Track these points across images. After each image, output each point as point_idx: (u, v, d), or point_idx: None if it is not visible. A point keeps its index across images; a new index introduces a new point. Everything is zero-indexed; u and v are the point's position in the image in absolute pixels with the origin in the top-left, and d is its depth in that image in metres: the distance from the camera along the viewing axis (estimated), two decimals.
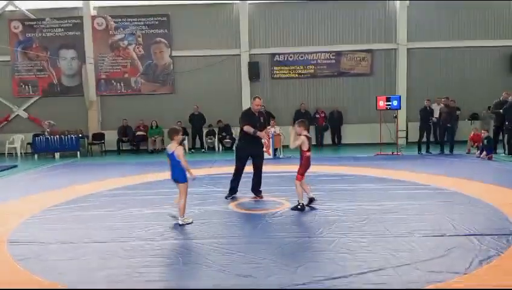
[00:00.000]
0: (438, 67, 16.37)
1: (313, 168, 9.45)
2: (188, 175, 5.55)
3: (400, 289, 3.46)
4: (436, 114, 13.34)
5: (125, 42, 16.68)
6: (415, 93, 16.02)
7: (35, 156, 15.02)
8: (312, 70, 16.71)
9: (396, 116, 13.46)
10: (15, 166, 12.59)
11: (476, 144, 12.49)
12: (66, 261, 4.34)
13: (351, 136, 16.49)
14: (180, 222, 5.49)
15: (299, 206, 6.17)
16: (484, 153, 11.39)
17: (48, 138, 14.83)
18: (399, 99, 13.12)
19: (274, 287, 3.53)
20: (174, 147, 5.53)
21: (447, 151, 12.78)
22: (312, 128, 16.14)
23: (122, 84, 16.80)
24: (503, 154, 11.90)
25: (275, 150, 13.18)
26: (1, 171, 11.48)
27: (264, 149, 7.84)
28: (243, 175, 7.18)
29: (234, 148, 15.16)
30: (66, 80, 16.90)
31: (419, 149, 13.16)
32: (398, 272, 3.76)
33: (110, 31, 16.63)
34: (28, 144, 16.10)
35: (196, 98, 16.13)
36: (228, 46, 16.55)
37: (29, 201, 7.38)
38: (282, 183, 7.96)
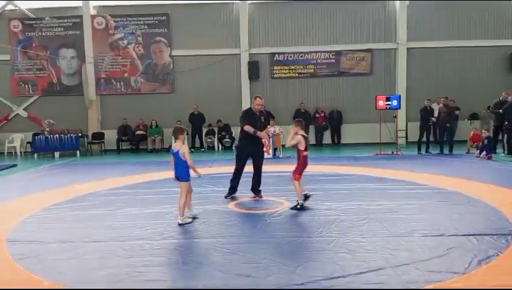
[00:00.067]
0: (437, 67, 16.37)
1: (313, 168, 9.48)
2: (194, 173, 5.61)
3: (399, 289, 3.46)
4: (436, 114, 13.35)
5: (125, 41, 16.67)
6: (415, 93, 16.03)
7: (35, 155, 15.01)
8: (312, 70, 16.71)
9: (396, 116, 13.47)
10: (15, 165, 12.59)
11: (475, 143, 12.49)
12: (66, 260, 4.34)
13: (351, 135, 16.49)
14: (180, 221, 5.50)
15: (298, 206, 6.17)
16: (484, 153, 11.39)
17: (47, 137, 14.82)
18: (399, 99, 13.13)
19: (273, 287, 3.53)
20: (179, 146, 5.58)
21: (446, 151, 12.78)
22: (312, 127, 16.24)
23: (122, 84, 16.80)
24: (503, 154, 11.91)
25: (275, 149, 13.19)
26: (1, 170, 11.48)
27: (264, 149, 7.83)
28: (242, 174, 7.18)
29: (234, 147, 15.30)
30: (66, 79, 16.89)
31: (419, 149, 13.16)
32: (397, 272, 3.76)
33: (110, 30, 16.62)
34: (27, 143, 16.11)
35: (196, 98, 16.13)
36: (228, 45, 16.55)
37: (28, 200, 7.38)
38: (282, 182, 7.96)
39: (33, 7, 16.63)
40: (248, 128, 6.86)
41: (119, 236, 5.08)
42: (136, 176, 9.85)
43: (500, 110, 12.13)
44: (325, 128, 16.50)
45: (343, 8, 16.41)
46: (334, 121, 16.36)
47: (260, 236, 5.00)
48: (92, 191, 8.02)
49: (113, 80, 16.80)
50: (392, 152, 12.90)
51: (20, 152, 16.01)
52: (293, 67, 16.73)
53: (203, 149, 15.75)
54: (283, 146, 13.10)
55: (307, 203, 6.24)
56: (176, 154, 5.57)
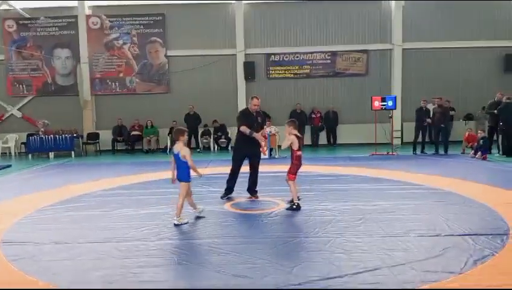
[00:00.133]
0: (432, 68, 16.43)
1: (309, 168, 9.51)
2: (195, 174, 5.63)
3: (395, 289, 3.46)
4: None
5: (120, 41, 16.63)
6: (410, 93, 16.08)
7: (30, 155, 14.94)
8: (307, 71, 16.73)
9: (391, 117, 13.50)
10: (9, 166, 12.51)
11: (470, 144, 12.55)
12: (61, 261, 4.31)
13: (347, 136, 16.53)
14: (176, 222, 5.49)
15: (294, 206, 6.17)
16: (479, 153, 11.44)
17: (42, 138, 14.75)
18: (394, 99, 13.16)
19: (269, 287, 3.52)
20: (179, 148, 5.59)
21: (441, 151, 12.82)
22: (308, 128, 16.26)
23: (117, 84, 16.75)
24: (497, 155, 11.97)
25: (271, 150, 13.19)
26: None
27: (260, 149, 7.82)
28: (238, 175, 7.17)
29: (230, 148, 15.30)
30: (61, 79, 16.82)
31: (414, 149, 13.20)
32: (393, 272, 3.76)
33: (105, 30, 16.57)
34: (22, 143, 16.02)
35: (191, 98, 16.10)
36: (223, 46, 16.55)
37: (23, 201, 7.33)
38: (278, 183, 7.94)
39: (28, 7, 16.54)
40: (244, 129, 6.86)
41: (114, 237, 5.05)
42: (132, 176, 9.81)
43: (495, 111, 12.19)
44: (321, 129, 16.52)
45: (338, 8, 16.45)
46: (329, 122, 16.38)
47: (256, 236, 4.99)
48: (87, 191, 7.98)
49: (108, 80, 16.75)
50: (388, 152, 12.93)
51: (15, 153, 15.92)
52: (288, 67, 16.75)
53: (198, 150, 15.72)
54: (279, 146, 13.09)
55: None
56: (176, 156, 5.59)
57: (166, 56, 16.67)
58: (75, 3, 16.48)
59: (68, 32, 16.59)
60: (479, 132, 12.25)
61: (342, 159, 12.32)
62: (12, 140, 15.99)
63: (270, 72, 16.75)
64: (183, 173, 5.57)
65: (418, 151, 13.09)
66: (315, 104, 16.53)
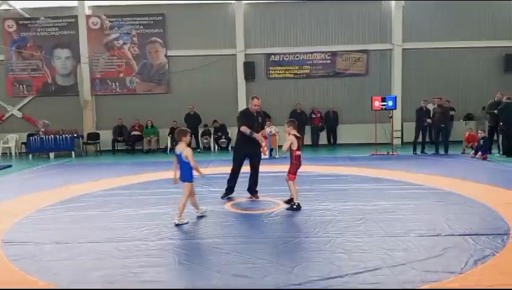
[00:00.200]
0: (432, 68, 16.43)
1: (309, 168, 9.52)
2: (197, 174, 5.65)
3: (396, 289, 3.46)
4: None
5: (120, 42, 16.63)
6: (410, 93, 16.08)
7: (30, 156, 14.94)
8: (307, 71, 16.73)
9: (391, 117, 13.50)
10: (9, 166, 12.51)
11: (470, 144, 12.54)
12: (61, 261, 4.31)
13: (347, 136, 16.54)
14: (177, 222, 5.49)
15: (294, 206, 6.17)
16: (479, 153, 11.44)
17: (42, 138, 14.74)
18: (394, 99, 13.15)
19: (270, 287, 3.52)
20: (182, 148, 5.60)
21: (442, 151, 12.82)
22: (308, 128, 16.27)
23: (117, 84, 16.75)
24: (498, 155, 11.97)
25: (271, 150, 13.19)
26: None
27: (261, 149, 7.83)
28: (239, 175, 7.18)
29: (230, 148, 15.30)
30: (61, 80, 16.82)
31: (414, 149, 13.20)
32: (393, 272, 3.76)
33: (105, 31, 16.58)
34: (22, 143, 16.02)
35: (191, 98, 16.10)
36: (223, 46, 16.55)
37: (23, 201, 7.33)
38: (278, 183, 7.93)
39: (28, 7, 16.54)
40: (244, 129, 6.86)
41: (114, 237, 5.05)
42: (132, 176, 9.82)
43: (495, 111, 12.19)
44: (321, 129, 16.53)
45: (338, 8, 16.45)
46: (330, 122, 16.38)
47: (257, 236, 4.99)
48: (88, 191, 7.98)
49: (108, 80, 16.75)
50: (388, 152, 12.93)
51: (15, 153, 15.92)
52: (288, 67, 16.75)
53: (199, 150, 15.71)
54: (279, 147, 13.10)
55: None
56: (179, 157, 5.60)
57: (166, 56, 16.67)
58: (75, 4, 16.48)
59: (68, 32, 16.59)
60: (479, 132, 12.26)
61: (342, 159, 12.32)
62: (12, 140, 15.98)
63: (270, 72, 16.75)
64: (186, 173, 5.59)
65: (418, 152, 13.08)
66: (315, 104, 16.53)
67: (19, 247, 4.77)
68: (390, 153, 12.93)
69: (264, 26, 16.62)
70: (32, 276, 3.90)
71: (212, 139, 15.96)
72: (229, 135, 15.76)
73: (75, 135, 15.27)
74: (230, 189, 7.17)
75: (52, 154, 14.84)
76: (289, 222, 5.73)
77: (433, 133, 13.48)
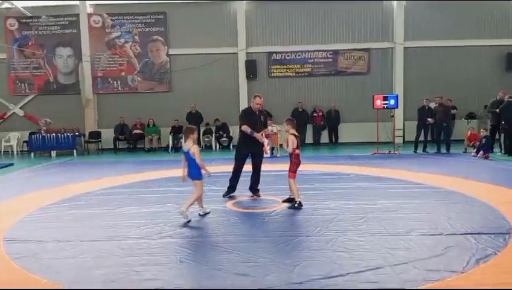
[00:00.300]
0: (434, 67, 16.38)
1: (310, 167, 9.52)
2: (203, 172, 5.69)
3: (398, 288, 3.45)
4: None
5: (122, 40, 16.63)
6: (412, 92, 16.05)
7: (32, 154, 14.95)
8: (309, 69, 16.71)
9: (393, 115, 13.48)
10: (11, 164, 12.54)
11: (472, 143, 12.52)
12: (63, 259, 4.32)
13: (348, 135, 16.51)
14: (182, 210, 5.57)
15: (296, 205, 6.17)
16: (481, 152, 11.41)
17: (44, 136, 14.76)
18: (396, 98, 13.14)
19: (272, 286, 3.52)
20: (189, 145, 5.65)
21: (443, 150, 12.80)
22: (309, 127, 16.26)
23: (118, 82, 16.75)
24: (499, 154, 11.94)
25: (272, 148, 13.18)
26: None
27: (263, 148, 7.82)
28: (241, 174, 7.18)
29: (231, 147, 15.29)
30: (63, 78, 16.83)
31: (416, 148, 13.18)
32: (395, 271, 3.76)
33: (107, 29, 16.57)
34: (24, 142, 16.04)
35: (193, 97, 16.09)
36: (225, 44, 16.52)
37: (25, 199, 7.34)
38: (280, 181, 7.93)
39: (29, 5, 16.54)
40: (245, 128, 6.87)
41: (116, 235, 5.06)
42: (133, 175, 9.82)
43: (497, 110, 12.16)
44: (323, 128, 16.51)
45: (340, 7, 16.40)
46: (331, 121, 16.37)
47: (258, 235, 4.99)
48: (89, 190, 7.99)
49: (110, 79, 16.75)
50: (389, 151, 12.91)
51: (17, 151, 15.95)
52: (290, 66, 16.72)
53: (200, 148, 15.69)
54: (281, 145, 13.09)
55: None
56: (187, 154, 5.65)
57: (167, 55, 16.66)
58: (76, 2, 16.46)
59: (70, 30, 16.60)
60: (481, 130, 12.23)
61: (344, 157, 12.30)
62: (14, 138, 16.01)
63: (272, 70, 16.73)
64: (195, 171, 5.65)
65: (420, 150, 13.06)
66: (317, 103, 16.50)
67: (21, 245, 4.78)
68: (392, 152, 12.91)
69: (266, 25, 16.59)
70: (34, 274, 3.91)
71: (213, 138, 15.95)
72: (231, 134, 15.75)
73: (76, 133, 15.30)
74: (232, 187, 7.18)
75: (53, 153, 14.85)
76: (291, 220, 5.73)
77: (434, 132, 13.46)
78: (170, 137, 15.70)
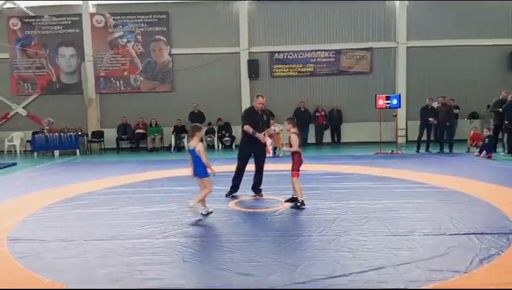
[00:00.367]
0: (437, 66, 16.36)
1: (313, 167, 9.52)
2: (208, 171, 5.74)
3: (401, 288, 3.45)
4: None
5: (124, 40, 16.65)
6: (415, 91, 16.03)
7: (35, 153, 14.99)
8: (311, 69, 16.70)
9: (395, 115, 13.46)
10: (14, 164, 12.58)
11: (475, 142, 12.50)
12: (66, 259, 4.33)
13: (351, 134, 16.50)
14: (192, 204, 5.69)
15: (298, 204, 6.17)
16: (484, 152, 11.39)
17: (47, 136, 14.80)
18: (399, 97, 13.12)
19: (274, 286, 3.52)
20: (195, 143, 5.71)
21: (446, 150, 12.78)
22: (312, 126, 16.25)
23: (121, 82, 16.78)
24: (503, 153, 11.91)
25: (275, 148, 13.17)
26: (0, 169, 11.45)
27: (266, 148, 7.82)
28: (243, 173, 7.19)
29: (234, 146, 15.30)
30: (65, 78, 16.87)
31: (418, 148, 13.16)
32: (398, 271, 3.76)
33: (109, 29, 16.60)
34: (27, 141, 16.08)
35: (195, 96, 16.11)
36: (227, 44, 16.53)
37: (28, 199, 7.36)
38: (282, 181, 7.93)
39: (32, 5, 16.58)
40: (247, 128, 6.87)
41: (119, 235, 5.07)
42: (136, 174, 9.83)
43: (500, 109, 12.14)
44: (325, 127, 16.51)
45: (342, 6, 16.39)
46: (334, 120, 16.36)
47: (261, 235, 4.99)
48: (92, 189, 8.01)
49: (112, 78, 16.78)
50: (392, 151, 12.89)
51: (20, 151, 15.99)
52: (292, 66, 16.71)
53: None
54: (282, 145, 13.08)
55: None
56: (193, 152, 5.70)
57: (170, 54, 16.67)
58: (79, 2, 16.49)
59: (72, 30, 16.63)
60: (484, 130, 12.20)
61: (346, 157, 12.30)
62: (17, 138, 16.06)
63: (274, 70, 16.72)
64: (201, 168, 5.70)
65: (422, 150, 13.04)
66: (319, 103, 16.49)
67: (24, 244, 4.79)
68: (395, 151, 12.89)
69: (268, 24, 16.59)
70: (38, 273, 3.92)
71: (216, 138, 15.95)
72: (233, 133, 15.75)
73: (79, 133, 15.34)
74: (235, 187, 7.18)
75: (56, 152, 14.89)
76: (293, 220, 5.73)
77: (437, 132, 13.43)
78: (173, 137, 15.72)
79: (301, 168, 6.42)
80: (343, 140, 16.55)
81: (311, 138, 16.39)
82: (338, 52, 16.56)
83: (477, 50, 16.33)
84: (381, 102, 13.02)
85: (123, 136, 16.13)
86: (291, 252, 4.37)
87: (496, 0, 15.97)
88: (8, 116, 16.95)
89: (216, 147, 15.88)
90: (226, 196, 7.07)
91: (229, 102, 16.33)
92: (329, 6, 16.37)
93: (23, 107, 16.95)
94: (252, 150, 7.06)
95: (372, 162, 11.13)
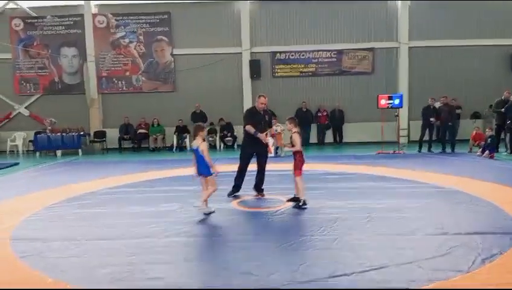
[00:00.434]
0: (439, 66, 16.32)
1: (315, 166, 9.52)
2: (211, 171, 5.79)
3: (403, 288, 3.44)
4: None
5: (126, 40, 16.67)
6: (417, 91, 16.00)
7: (37, 153, 15.02)
8: (313, 69, 16.69)
9: (397, 115, 13.44)
10: (17, 164, 12.60)
11: (477, 142, 12.47)
12: (68, 258, 4.34)
13: (353, 134, 16.48)
14: (199, 204, 5.73)
15: (301, 203, 6.16)
16: (486, 152, 11.36)
17: (49, 136, 14.84)
18: (401, 97, 13.10)
19: (276, 285, 3.52)
20: (198, 143, 5.76)
21: (448, 150, 12.76)
22: (314, 126, 16.25)
23: (123, 82, 16.80)
24: (505, 153, 11.89)
25: (276, 148, 13.16)
26: (3, 168, 11.49)
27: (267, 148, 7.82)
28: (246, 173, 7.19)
29: (235, 146, 15.30)
30: (68, 78, 16.90)
31: (420, 147, 13.14)
32: (400, 271, 3.75)
33: (111, 29, 16.62)
34: (29, 141, 16.12)
35: (197, 96, 16.12)
36: (229, 44, 16.53)
37: (30, 199, 7.38)
38: (284, 181, 7.93)
39: (34, 6, 16.62)
40: (249, 128, 6.87)
41: (121, 234, 5.08)
42: (138, 174, 9.85)
43: (502, 109, 12.11)
44: (327, 127, 16.50)
45: (344, 6, 16.37)
46: (335, 120, 16.35)
47: (263, 234, 5.00)
48: (94, 189, 8.03)
49: (114, 79, 16.80)
50: (394, 151, 12.88)
51: (22, 151, 16.03)
52: (294, 66, 16.70)
53: None
54: (284, 145, 13.07)
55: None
56: (196, 151, 5.75)
57: (172, 54, 16.69)
58: (81, 2, 16.53)
59: (75, 31, 16.66)
60: (486, 130, 12.17)
61: (348, 157, 12.28)
62: (20, 138, 16.10)
63: (276, 70, 16.72)
64: (204, 167, 5.73)
65: (425, 150, 13.02)
66: (321, 103, 16.49)
67: (27, 244, 4.80)
68: (397, 151, 12.88)
69: (270, 25, 16.59)
70: (40, 273, 3.93)
71: (217, 138, 15.96)
72: (235, 133, 15.76)
73: (81, 133, 15.38)
74: (237, 187, 7.18)
75: (59, 152, 14.91)
76: (295, 220, 5.73)
77: (440, 132, 13.39)
78: (174, 137, 15.73)
79: (303, 168, 6.42)
80: (345, 140, 16.53)
81: (313, 138, 16.38)
82: (340, 52, 16.55)
83: (479, 50, 16.29)
84: (383, 102, 13.00)
85: (125, 136, 16.15)
86: (293, 251, 4.37)
87: (498, 0, 15.94)
88: (11, 117, 16.99)
89: (218, 147, 15.89)
90: (228, 195, 7.08)
91: (231, 102, 16.33)
92: (331, 7, 16.35)
93: (26, 107, 17.00)
94: (254, 150, 7.07)
95: (374, 162, 11.12)
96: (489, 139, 11.58)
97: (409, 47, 16.29)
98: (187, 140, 15.40)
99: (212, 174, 5.76)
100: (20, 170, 11.44)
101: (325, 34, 16.58)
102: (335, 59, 16.60)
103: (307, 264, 3.96)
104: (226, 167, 8.18)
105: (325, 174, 9.07)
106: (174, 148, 15.65)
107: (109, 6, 16.73)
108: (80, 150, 15.00)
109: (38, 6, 16.64)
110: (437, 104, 13.37)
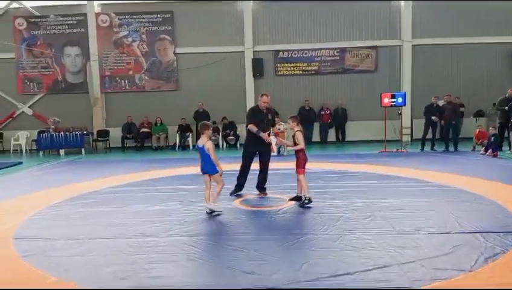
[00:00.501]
0: (442, 64, 16.30)
1: (317, 165, 9.51)
2: (217, 168, 5.78)
3: (406, 287, 3.44)
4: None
5: (129, 39, 16.70)
6: (420, 90, 15.97)
7: (40, 153, 15.08)
8: (316, 67, 16.68)
9: (400, 113, 13.42)
10: (20, 163, 12.65)
11: (480, 141, 12.43)
12: (72, 257, 4.35)
13: (355, 133, 16.48)
14: (212, 204, 5.73)
15: (306, 201, 6.15)
16: (490, 150, 11.33)
17: (52, 135, 14.88)
18: (404, 96, 13.07)
19: (279, 284, 3.52)
20: (204, 141, 5.76)
21: (451, 148, 12.73)
22: (316, 125, 16.24)
23: (126, 81, 16.84)
24: (508, 152, 11.85)
25: (279, 147, 13.17)
26: (6, 167, 11.53)
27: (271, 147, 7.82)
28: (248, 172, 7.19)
29: (238, 145, 15.31)
30: (71, 77, 16.95)
31: (423, 146, 13.11)
32: (403, 270, 3.74)
33: (114, 28, 16.66)
34: (33, 140, 16.18)
35: (200, 95, 16.13)
36: (232, 43, 16.54)
37: (34, 198, 7.40)
38: (287, 180, 7.94)
39: (38, 5, 16.67)
40: (252, 127, 6.86)
41: (124, 233, 5.09)
42: (141, 173, 9.87)
43: (506, 107, 12.07)
44: (330, 126, 16.49)
45: (347, 4, 16.35)
46: (338, 119, 16.34)
47: (265, 233, 4.99)
48: (97, 188, 8.04)
49: (117, 78, 16.84)
50: (397, 150, 12.86)
51: (26, 150, 16.09)
52: (297, 64, 16.70)
53: None
54: (286, 144, 13.07)
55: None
56: (202, 149, 5.75)
57: (175, 53, 16.72)
58: (84, 2, 16.58)
59: (78, 30, 16.71)
60: (490, 128, 12.14)
61: (351, 156, 12.27)
62: (23, 137, 16.17)
63: (279, 69, 16.72)
64: (210, 166, 5.73)
65: (428, 148, 12.99)
66: (324, 101, 16.48)
67: (30, 243, 4.81)
68: (400, 150, 12.86)
69: (273, 23, 16.58)
70: (43, 272, 3.94)
71: (220, 137, 15.98)
72: (238, 132, 15.77)
73: (85, 132, 15.42)
74: (239, 186, 7.18)
75: (62, 151, 14.97)
76: (298, 218, 5.73)
77: (443, 130, 13.35)
78: (177, 136, 15.76)
79: (306, 166, 6.41)
80: (348, 139, 16.53)
81: (316, 137, 16.38)
82: (343, 50, 16.54)
83: (482, 48, 16.25)
84: (386, 100, 12.97)
85: (128, 135, 16.19)
86: (296, 250, 4.37)
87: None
88: (14, 116, 17.06)
89: (221, 146, 15.89)
90: (231, 194, 7.07)
91: (234, 101, 16.35)
92: (334, 5, 16.33)
93: (29, 107, 17.06)
94: (256, 149, 7.07)
95: (377, 160, 11.11)
96: (492, 138, 11.54)
97: (412, 45, 16.26)
98: (190, 139, 15.44)
99: (217, 172, 5.76)
100: (23, 169, 11.48)
101: (327, 33, 16.57)
102: (338, 57, 16.59)
103: (309, 263, 3.95)
104: (229, 166, 8.17)
105: (328, 172, 9.07)
106: (177, 147, 15.68)
107: (112, 6, 16.77)
108: (83, 149, 15.04)
109: (41, 5, 16.71)
110: (441, 102, 13.32)
